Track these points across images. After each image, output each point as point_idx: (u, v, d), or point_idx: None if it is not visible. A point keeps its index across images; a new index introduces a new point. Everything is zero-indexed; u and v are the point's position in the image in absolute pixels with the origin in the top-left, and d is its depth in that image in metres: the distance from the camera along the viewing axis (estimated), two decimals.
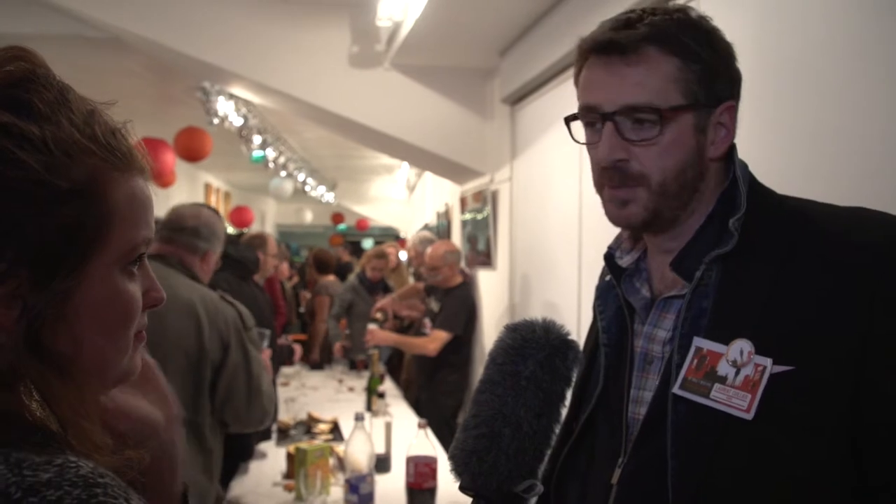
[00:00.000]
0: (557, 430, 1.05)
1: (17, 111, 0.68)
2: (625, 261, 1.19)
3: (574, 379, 1.06)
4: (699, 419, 0.99)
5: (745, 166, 1.11)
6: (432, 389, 4.90)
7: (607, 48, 1.06)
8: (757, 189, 1.09)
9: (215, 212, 2.81)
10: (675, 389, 1.01)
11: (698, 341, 1.02)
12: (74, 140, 0.70)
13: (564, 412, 1.08)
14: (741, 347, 0.98)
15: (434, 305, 5.14)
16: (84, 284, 0.71)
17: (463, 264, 6.03)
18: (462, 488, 1.02)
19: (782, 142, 1.88)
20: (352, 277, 6.65)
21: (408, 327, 5.70)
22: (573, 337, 1.07)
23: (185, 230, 2.57)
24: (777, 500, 0.95)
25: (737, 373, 0.97)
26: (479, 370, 5.39)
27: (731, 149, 1.11)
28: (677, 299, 1.09)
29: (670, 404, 1.02)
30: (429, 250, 5.21)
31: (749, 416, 0.95)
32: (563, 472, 1.20)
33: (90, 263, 0.71)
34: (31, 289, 0.67)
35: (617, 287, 1.18)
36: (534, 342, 1.02)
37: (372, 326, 5.00)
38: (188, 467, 2.35)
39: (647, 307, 1.14)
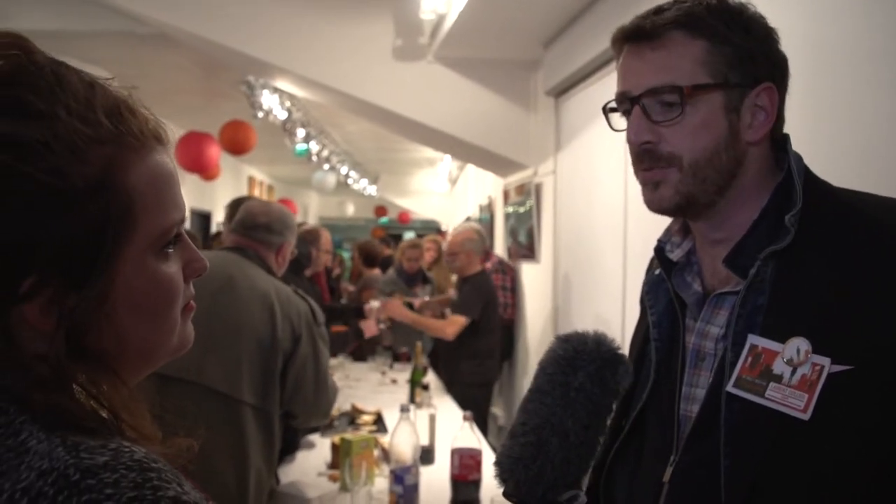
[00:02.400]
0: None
1: (12, 115, 0.64)
2: (675, 254, 1.17)
3: (622, 393, 1.05)
4: (753, 418, 0.97)
5: (799, 158, 1.08)
6: (458, 382, 4.88)
7: (635, 35, 1.07)
8: (812, 182, 1.06)
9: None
10: (729, 388, 1.00)
11: (753, 339, 1.00)
12: (77, 133, 0.66)
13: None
14: (798, 346, 0.96)
15: (453, 294, 5.14)
16: (119, 280, 0.69)
17: (504, 255, 6.02)
18: (506, 495, 1.01)
19: (832, 133, 1.84)
20: (391, 271, 6.67)
21: None
22: (620, 337, 1.06)
23: (258, 227, 2.65)
24: (833, 501, 0.93)
25: (793, 372, 0.95)
26: (519, 363, 5.39)
27: (785, 139, 1.10)
28: (731, 295, 1.07)
29: (724, 403, 1.00)
30: (450, 236, 5.19)
31: (806, 417, 0.93)
32: (612, 467, 1.19)
33: (121, 258, 0.69)
34: (65, 295, 0.66)
35: (667, 281, 1.17)
36: (585, 354, 1.02)
37: (389, 299, 4.94)
38: (255, 453, 2.37)
39: (699, 302, 1.12)
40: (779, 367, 0.97)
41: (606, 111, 1.15)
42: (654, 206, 1.10)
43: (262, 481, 2.48)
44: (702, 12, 1.04)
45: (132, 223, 0.69)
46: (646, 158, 1.08)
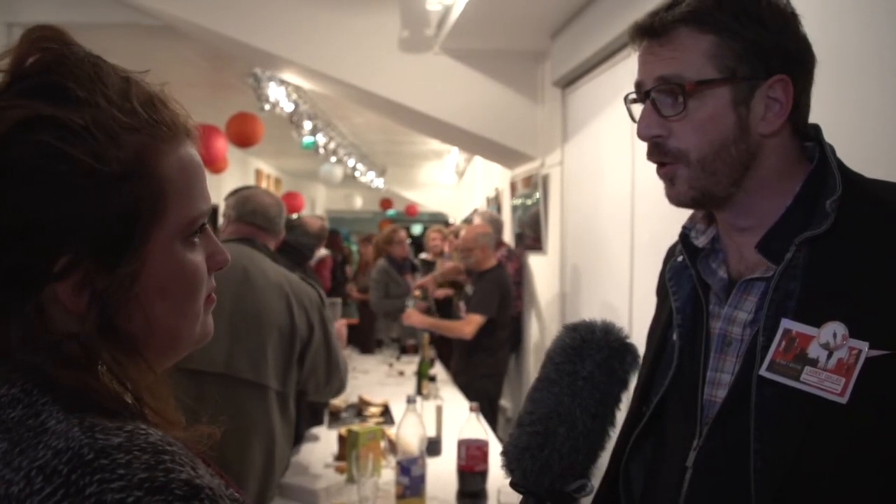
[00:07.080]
0: (612, 433, 1.05)
1: (54, 99, 0.67)
2: (700, 241, 1.18)
3: (630, 383, 1.05)
4: (787, 402, 0.97)
5: (832, 149, 1.08)
6: (470, 374, 4.89)
7: (645, 32, 1.09)
8: (846, 171, 1.06)
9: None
10: (763, 371, 1.00)
11: (787, 323, 1.00)
12: (115, 120, 0.69)
13: (620, 416, 1.07)
14: (834, 330, 0.96)
15: (468, 289, 5.13)
16: (148, 264, 0.71)
17: (509, 243, 6.01)
18: (513, 484, 1.01)
19: (857, 123, 1.82)
20: (381, 261, 6.68)
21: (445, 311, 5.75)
22: (628, 328, 1.06)
23: (263, 215, 2.72)
24: (872, 485, 0.93)
25: (829, 356, 0.95)
26: (527, 355, 5.38)
27: (815, 130, 1.10)
28: (759, 281, 1.07)
29: (754, 387, 1.00)
30: (462, 232, 5.18)
31: (843, 401, 0.93)
32: (632, 453, 1.20)
33: (151, 242, 0.71)
34: (97, 276, 0.69)
35: (691, 267, 1.17)
36: (593, 343, 1.02)
37: (409, 308, 5.03)
38: (279, 433, 2.48)
39: (725, 288, 1.12)
40: (814, 351, 0.97)
41: (628, 102, 1.16)
42: (673, 200, 1.12)
43: (284, 457, 2.66)
44: (711, 6, 1.04)
45: (163, 209, 0.72)
46: (655, 152, 1.09)
